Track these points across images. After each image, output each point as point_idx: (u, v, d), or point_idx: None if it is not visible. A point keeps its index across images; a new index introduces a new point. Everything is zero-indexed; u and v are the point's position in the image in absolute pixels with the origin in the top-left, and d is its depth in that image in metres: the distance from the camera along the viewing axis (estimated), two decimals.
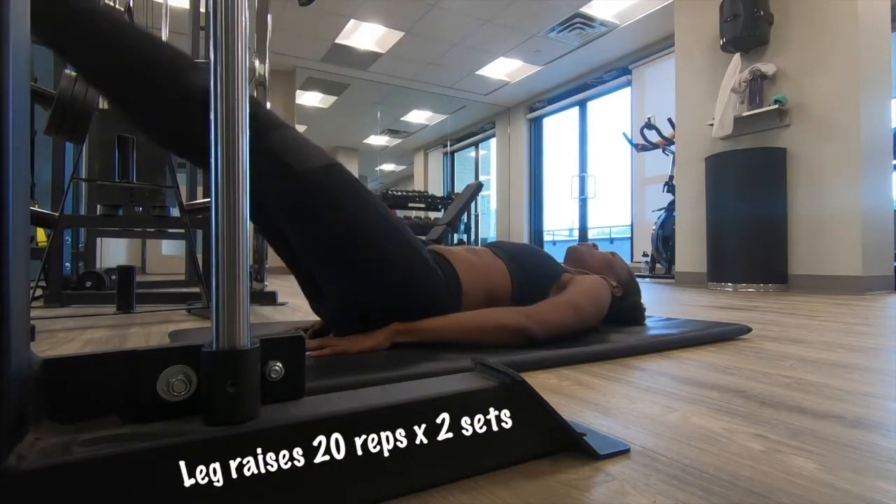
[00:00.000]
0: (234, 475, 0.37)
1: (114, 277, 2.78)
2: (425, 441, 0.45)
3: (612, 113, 6.54)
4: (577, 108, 6.93)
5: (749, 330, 1.33)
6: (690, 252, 3.83)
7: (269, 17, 2.76)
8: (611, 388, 0.79)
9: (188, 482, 0.36)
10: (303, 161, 0.92)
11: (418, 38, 5.54)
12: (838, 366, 0.96)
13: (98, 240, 3.40)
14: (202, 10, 3.17)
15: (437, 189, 9.85)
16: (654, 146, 4.63)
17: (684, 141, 3.94)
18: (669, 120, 4.20)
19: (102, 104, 2.22)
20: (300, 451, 0.39)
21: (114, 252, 6.68)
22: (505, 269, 1.17)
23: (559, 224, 7.68)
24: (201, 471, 0.36)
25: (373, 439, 0.42)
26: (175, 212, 2.36)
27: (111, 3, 1.58)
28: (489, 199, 9.25)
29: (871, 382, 0.83)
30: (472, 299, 1.10)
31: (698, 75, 3.82)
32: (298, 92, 6.92)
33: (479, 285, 1.12)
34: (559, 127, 7.50)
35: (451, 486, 0.45)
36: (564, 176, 7.10)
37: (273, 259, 6.55)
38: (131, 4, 1.74)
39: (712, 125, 3.49)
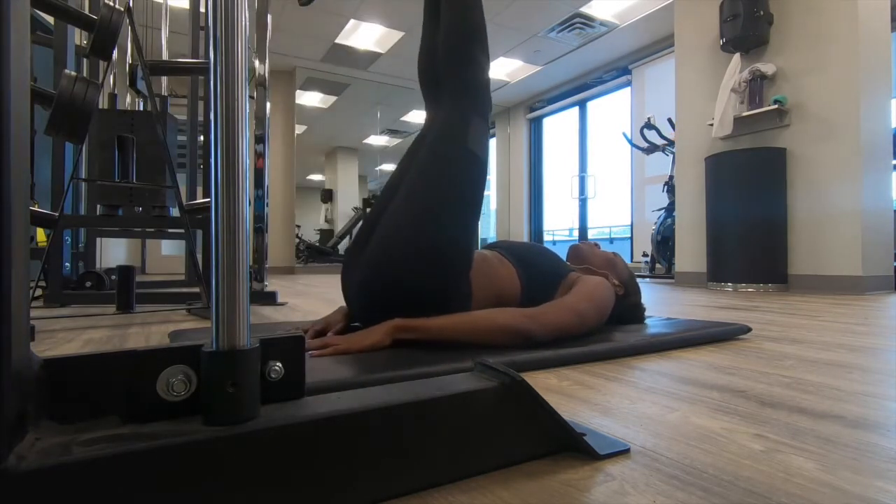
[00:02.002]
0: (234, 475, 0.37)
1: (114, 277, 2.78)
2: (425, 441, 0.45)
3: (612, 113, 6.54)
4: (576, 108, 6.93)
5: (749, 330, 1.33)
6: (690, 252, 3.83)
7: (269, 17, 2.76)
8: (611, 388, 0.79)
9: (188, 482, 0.36)
10: (477, 145, 1.11)
11: (418, 38, 5.53)
12: (838, 366, 0.96)
13: (98, 240, 3.41)
14: (202, 10, 3.17)
15: None
16: (654, 146, 4.63)
17: (684, 141, 3.94)
18: (669, 120, 4.20)
19: (102, 104, 2.22)
20: (300, 452, 0.39)
21: (114, 252, 6.68)
22: (514, 272, 1.18)
23: (559, 224, 7.68)
24: (201, 471, 0.36)
25: (373, 439, 0.42)
26: (175, 212, 2.37)
27: (111, 4, 1.58)
28: (489, 199, 9.25)
29: (871, 382, 0.83)
30: (480, 304, 1.11)
31: (698, 75, 3.82)
32: (298, 92, 6.92)
33: (489, 290, 1.13)
34: (559, 127, 7.50)
35: (451, 486, 0.45)
36: (564, 176, 7.10)
37: (273, 259, 6.56)
38: (131, 4, 1.74)
39: (712, 125, 3.49)
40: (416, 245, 1.01)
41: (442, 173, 1.07)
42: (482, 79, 1.16)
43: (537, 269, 1.20)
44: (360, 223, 1.22)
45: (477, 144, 1.10)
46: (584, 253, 1.37)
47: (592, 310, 1.10)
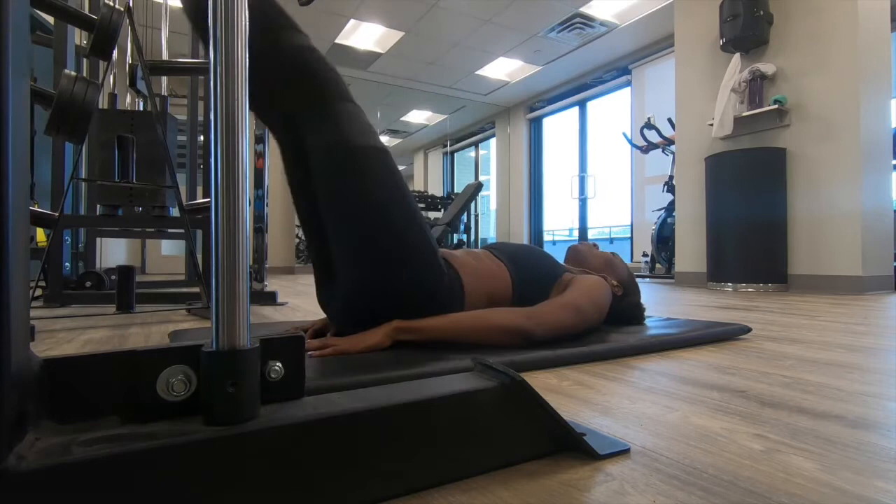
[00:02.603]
0: (234, 475, 0.37)
1: (114, 277, 2.78)
2: (425, 441, 0.45)
3: (612, 113, 6.54)
4: (576, 108, 6.93)
5: (749, 330, 1.33)
6: (690, 252, 3.83)
7: None
8: (611, 388, 0.79)
9: (188, 482, 0.36)
10: (360, 136, 0.98)
11: (418, 38, 5.54)
12: (838, 366, 0.96)
13: (98, 240, 3.41)
14: None
15: (436, 189, 9.84)
16: (652, 145, 4.62)
17: (684, 141, 3.94)
18: (669, 120, 4.20)
19: (102, 104, 2.22)
20: (300, 452, 0.39)
21: (114, 252, 6.67)
22: (506, 271, 1.18)
23: (559, 224, 7.68)
24: (201, 471, 0.36)
25: (373, 439, 0.42)
26: (175, 212, 2.37)
27: (111, 4, 1.58)
28: (489, 199, 9.25)
29: (871, 382, 0.83)
30: (473, 302, 1.10)
31: (698, 75, 3.82)
32: None
33: (482, 289, 1.12)
34: (559, 127, 7.50)
35: (451, 486, 0.45)
36: (564, 176, 7.10)
37: (273, 259, 6.56)
38: (131, 4, 1.74)
39: (712, 125, 3.49)
40: (382, 260, 0.97)
41: (358, 187, 0.97)
42: (322, 65, 1.00)
43: (529, 269, 1.20)
44: (309, 250, 1.12)
45: (364, 135, 0.98)
46: (583, 254, 1.37)
47: (590, 307, 1.10)
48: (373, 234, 0.97)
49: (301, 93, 0.98)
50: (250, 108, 0.99)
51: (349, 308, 1.02)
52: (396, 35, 5.50)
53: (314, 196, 1.02)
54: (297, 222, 6.93)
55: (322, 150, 0.98)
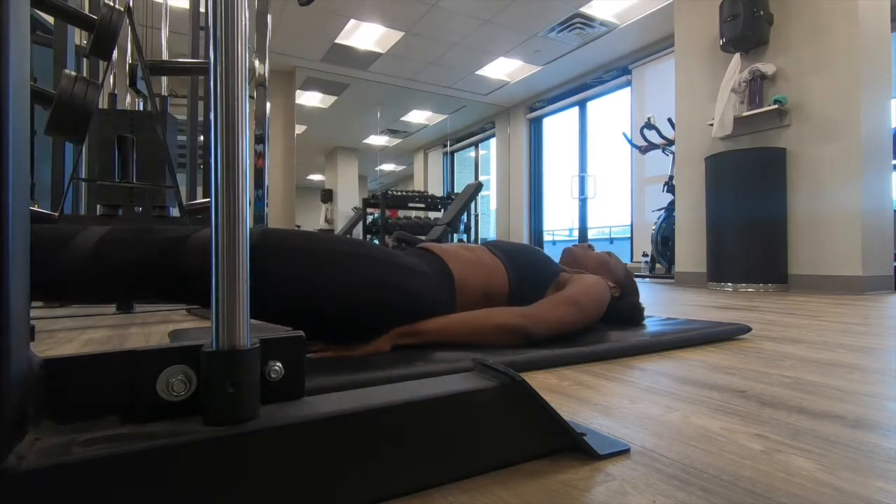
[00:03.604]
0: (234, 475, 0.37)
1: None
2: (425, 441, 0.45)
3: (612, 113, 6.54)
4: (576, 108, 6.93)
5: (749, 330, 1.33)
6: (690, 252, 3.83)
7: (269, 17, 2.76)
8: (611, 388, 0.79)
9: (188, 482, 0.36)
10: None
11: (418, 38, 5.54)
12: (838, 366, 0.96)
13: None
14: (202, 10, 3.17)
15: (436, 189, 9.84)
16: (652, 145, 4.62)
17: (684, 141, 3.94)
18: (669, 120, 4.20)
19: (102, 104, 2.22)
20: (300, 452, 0.39)
21: None
22: (502, 267, 1.16)
23: (559, 224, 7.68)
24: (201, 471, 0.36)
25: (373, 439, 0.42)
26: (175, 212, 2.36)
27: (111, 4, 1.58)
28: (489, 199, 9.24)
29: (871, 382, 0.83)
30: (467, 295, 1.08)
31: (698, 75, 3.82)
32: (298, 92, 6.92)
33: (474, 280, 1.10)
34: (559, 127, 7.50)
35: (451, 486, 0.45)
36: (564, 176, 7.10)
37: None
38: (131, 4, 1.74)
39: (712, 125, 3.49)
40: (350, 303, 0.90)
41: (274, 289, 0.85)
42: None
43: (526, 267, 1.19)
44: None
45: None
46: (578, 255, 1.37)
47: (589, 303, 1.10)
48: (327, 292, 0.88)
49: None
50: None
51: (337, 337, 0.97)
52: (396, 35, 5.50)
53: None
54: (297, 222, 6.94)
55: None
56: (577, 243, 1.44)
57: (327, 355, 0.90)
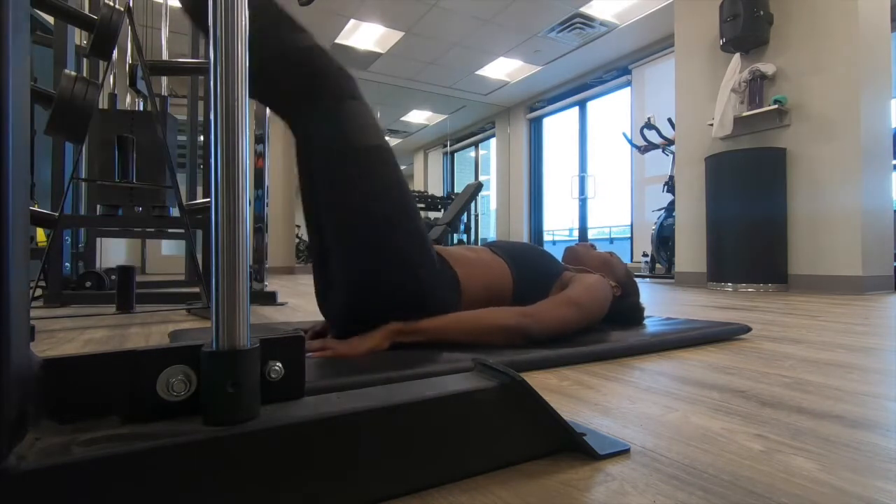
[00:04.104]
0: (234, 475, 0.37)
1: (113, 277, 2.78)
2: (425, 441, 0.45)
3: (612, 113, 6.54)
4: (576, 108, 6.93)
5: (749, 330, 1.33)
6: (690, 252, 3.83)
7: None
8: (611, 388, 0.79)
9: (188, 482, 0.36)
10: (361, 136, 0.98)
11: (418, 38, 5.54)
12: (838, 366, 0.96)
13: (98, 240, 3.40)
14: None
15: (436, 189, 9.84)
16: (651, 145, 4.62)
17: (684, 141, 3.94)
18: (669, 120, 4.20)
19: (102, 104, 2.22)
20: (300, 452, 0.39)
21: (114, 252, 6.67)
22: (505, 267, 1.17)
23: (559, 224, 7.68)
24: (201, 471, 0.36)
25: (373, 439, 0.42)
26: (175, 212, 2.36)
27: (111, 4, 1.58)
28: (489, 199, 9.24)
29: (871, 382, 0.83)
30: (471, 296, 1.09)
31: (698, 75, 3.82)
32: None
33: (478, 281, 1.11)
34: (559, 127, 7.50)
35: (451, 486, 0.45)
36: (564, 176, 7.10)
37: (273, 259, 6.56)
38: (131, 4, 1.74)
39: (712, 125, 3.49)
40: (380, 261, 0.97)
41: (357, 185, 0.97)
42: (316, 57, 0.98)
43: (529, 267, 1.20)
44: (309, 248, 1.14)
45: (366, 134, 0.98)
46: (580, 254, 1.37)
47: (590, 304, 1.10)
48: (371, 234, 0.97)
49: (304, 94, 0.97)
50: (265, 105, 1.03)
51: (347, 307, 1.02)
52: (396, 35, 5.50)
53: (317, 195, 1.03)
54: (297, 222, 6.94)
55: (323, 150, 0.99)
56: (578, 242, 1.45)
57: (327, 355, 0.90)
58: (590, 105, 6.82)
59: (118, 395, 0.39)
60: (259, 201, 2.65)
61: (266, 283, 2.63)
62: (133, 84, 2.48)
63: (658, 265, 4.62)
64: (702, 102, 3.77)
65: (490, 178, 8.95)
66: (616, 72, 6.14)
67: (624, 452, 0.52)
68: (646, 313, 1.44)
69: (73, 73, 1.38)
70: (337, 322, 1.06)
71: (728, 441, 0.56)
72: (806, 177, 3.17)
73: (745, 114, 3.36)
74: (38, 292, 2.24)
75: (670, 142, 4.36)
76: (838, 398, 0.74)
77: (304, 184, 1.07)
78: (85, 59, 2.80)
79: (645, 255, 4.97)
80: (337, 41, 5.67)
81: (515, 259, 1.20)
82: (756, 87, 3.33)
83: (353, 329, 0.99)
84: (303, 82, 0.97)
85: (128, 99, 3.44)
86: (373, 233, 0.97)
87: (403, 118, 8.53)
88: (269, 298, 2.37)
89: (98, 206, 2.76)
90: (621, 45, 5.66)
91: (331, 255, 1.02)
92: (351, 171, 0.97)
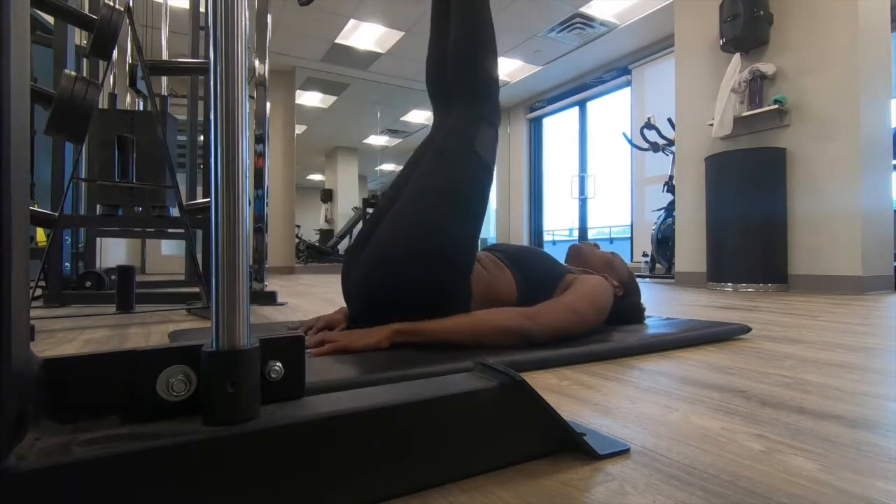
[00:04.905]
0: (234, 475, 0.37)
1: (113, 277, 2.78)
2: (425, 441, 0.45)
3: (612, 113, 6.54)
4: (576, 108, 6.93)
5: (749, 330, 1.33)
6: (690, 252, 3.83)
7: (269, 17, 2.76)
8: (611, 388, 0.79)
9: (188, 482, 0.36)
10: (481, 148, 1.13)
11: (418, 38, 5.54)
12: (838, 366, 0.96)
13: (98, 240, 3.40)
14: (202, 10, 3.17)
15: None
16: (654, 146, 4.63)
17: (684, 141, 3.94)
18: (669, 120, 4.20)
19: (102, 104, 2.22)
20: (300, 452, 0.39)
21: (114, 252, 6.67)
22: (510, 275, 1.18)
23: (559, 224, 7.68)
24: (201, 471, 0.36)
25: (373, 439, 0.42)
26: (175, 212, 2.36)
27: (111, 4, 1.58)
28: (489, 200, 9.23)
29: (871, 382, 0.83)
30: (476, 307, 1.10)
31: (698, 75, 3.82)
32: (298, 92, 6.91)
33: (485, 294, 1.13)
34: (559, 127, 7.50)
35: (451, 486, 0.45)
36: (564, 176, 7.10)
37: (273, 259, 6.56)
38: (131, 4, 1.74)
39: (712, 125, 3.49)
40: (416, 245, 1.01)
41: (448, 175, 1.09)
42: (493, 89, 1.19)
43: (533, 272, 1.20)
44: (362, 224, 1.23)
45: (484, 149, 1.13)
46: (584, 253, 1.37)
47: (591, 309, 1.10)
48: (424, 225, 1.03)
49: (466, 102, 1.17)
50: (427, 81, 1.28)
51: (366, 284, 1.04)
52: (396, 35, 5.50)
53: (409, 181, 1.14)
54: (297, 222, 6.94)
55: (447, 139, 1.15)
56: (582, 241, 1.47)
57: (324, 351, 0.90)
58: (590, 105, 6.82)
59: (118, 395, 0.39)
60: (259, 201, 2.65)
61: (266, 283, 2.63)
62: (133, 84, 2.48)
63: (658, 265, 4.62)
64: (702, 102, 3.77)
65: None
66: (616, 72, 6.14)
67: (624, 452, 0.52)
68: (646, 313, 1.44)
69: (73, 73, 1.38)
70: (354, 292, 1.09)
71: (728, 441, 0.56)
72: (806, 177, 3.17)
73: (745, 114, 3.36)
74: (38, 292, 2.24)
75: (670, 142, 4.36)
76: (838, 398, 0.74)
77: (404, 172, 1.21)
78: (85, 59, 2.80)
79: (645, 255, 4.97)
80: (337, 41, 5.68)
81: (519, 264, 1.20)
82: (756, 87, 3.33)
83: (364, 312, 1.03)
84: (471, 98, 1.17)
85: (128, 99, 3.44)
86: (433, 218, 1.04)
87: (403, 118, 8.52)
88: (269, 298, 2.37)
89: (98, 206, 2.76)
90: (621, 45, 5.66)
91: (378, 230, 1.08)
92: (455, 164, 1.10)
